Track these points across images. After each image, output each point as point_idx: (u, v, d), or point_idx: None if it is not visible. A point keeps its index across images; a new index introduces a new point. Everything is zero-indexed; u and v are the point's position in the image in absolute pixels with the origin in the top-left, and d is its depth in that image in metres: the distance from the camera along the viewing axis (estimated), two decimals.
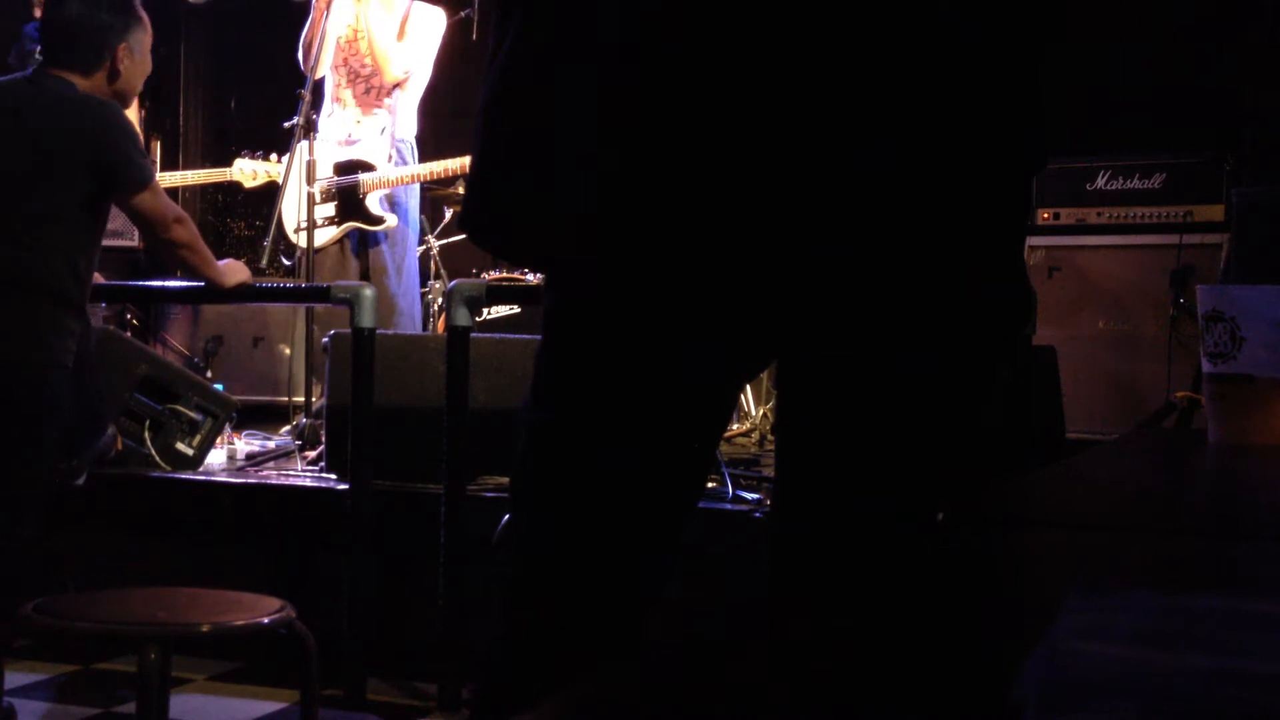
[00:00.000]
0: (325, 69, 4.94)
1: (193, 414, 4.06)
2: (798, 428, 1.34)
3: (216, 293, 3.49)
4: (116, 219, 5.18)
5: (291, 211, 4.80)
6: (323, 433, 4.09)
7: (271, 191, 4.87)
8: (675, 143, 1.20)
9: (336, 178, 4.87)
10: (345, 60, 4.95)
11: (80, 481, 3.33)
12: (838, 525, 1.30)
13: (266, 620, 2.41)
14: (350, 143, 4.93)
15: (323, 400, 4.15)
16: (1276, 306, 1.72)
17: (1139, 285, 4.90)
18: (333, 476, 3.86)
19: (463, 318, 3.50)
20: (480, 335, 3.82)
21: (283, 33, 5.71)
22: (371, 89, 4.94)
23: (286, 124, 4.70)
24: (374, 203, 4.87)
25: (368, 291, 3.57)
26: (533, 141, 1.28)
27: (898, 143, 1.19)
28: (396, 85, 4.91)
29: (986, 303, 1.27)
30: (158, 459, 3.97)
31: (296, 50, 4.90)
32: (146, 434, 3.97)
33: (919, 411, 1.27)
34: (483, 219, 1.36)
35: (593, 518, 1.31)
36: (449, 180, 5.12)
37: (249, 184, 5.29)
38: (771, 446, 4.31)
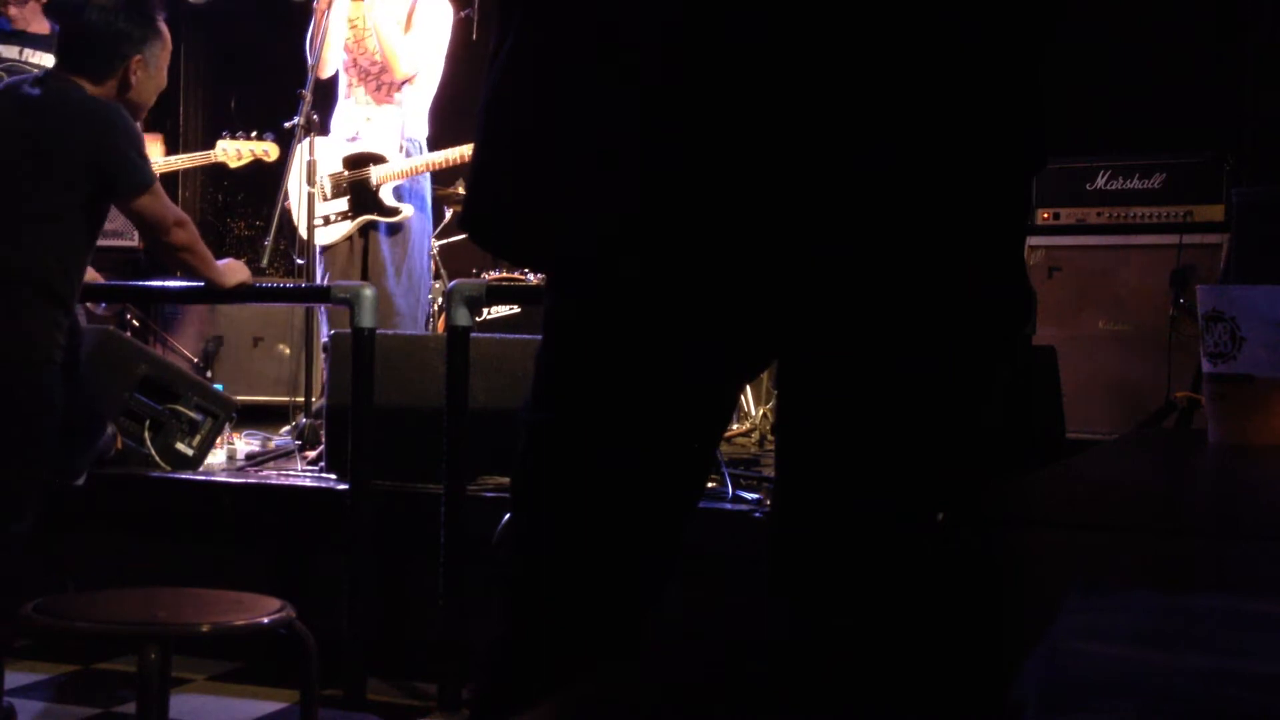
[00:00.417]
0: (334, 68, 4.94)
1: (193, 414, 4.06)
2: (798, 428, 1.34)
3: (216, 293, 3.49)
4: (116, 219, 5.19)
5: (297, 211, 4.80)
6: (323, 433, 4.09)
7: (271, 189, 4.87)
8: (675, 143, 1.20)
9: (347, 172, 4.86)
10: (355, 60, 4.95)
11: (80, 482, 3.34)
12: (838, 525, 1.30)
13: (266, 620, 2.41)
14: (360, 139, 4.92)
15: (323, 400, 4.15)
16: (1276, 306, 1.72)
17: (1139, 285, 4.90)
18: (333, 476, 3.86)
19: (463, 318, 3.50)
20: (480, 335, 3.82)
21: (283, 33, 5.71)
22: (382, 85, 4.94)
23: (287, 124, 4.70)
24: (388, 194, 4.87)
25: (368, 291, 3.57)
26: (533, 142, 1.28)
27: (898, 143, 1.19)
28: (406, 82, 4.90)
29: (986, 303, 1.27)
30: (158, 459, 3.97)
31: (305, 51, 4.90)
32: (146, 434, 3.97)
33: (919, 412, 1.27)
34: (483, 219, 1.36)
35: (593, 518, 1.31)
36: (454, 176, 5.12)
37: (234, 164, 5.28)
38: (771, 446, 4.32)
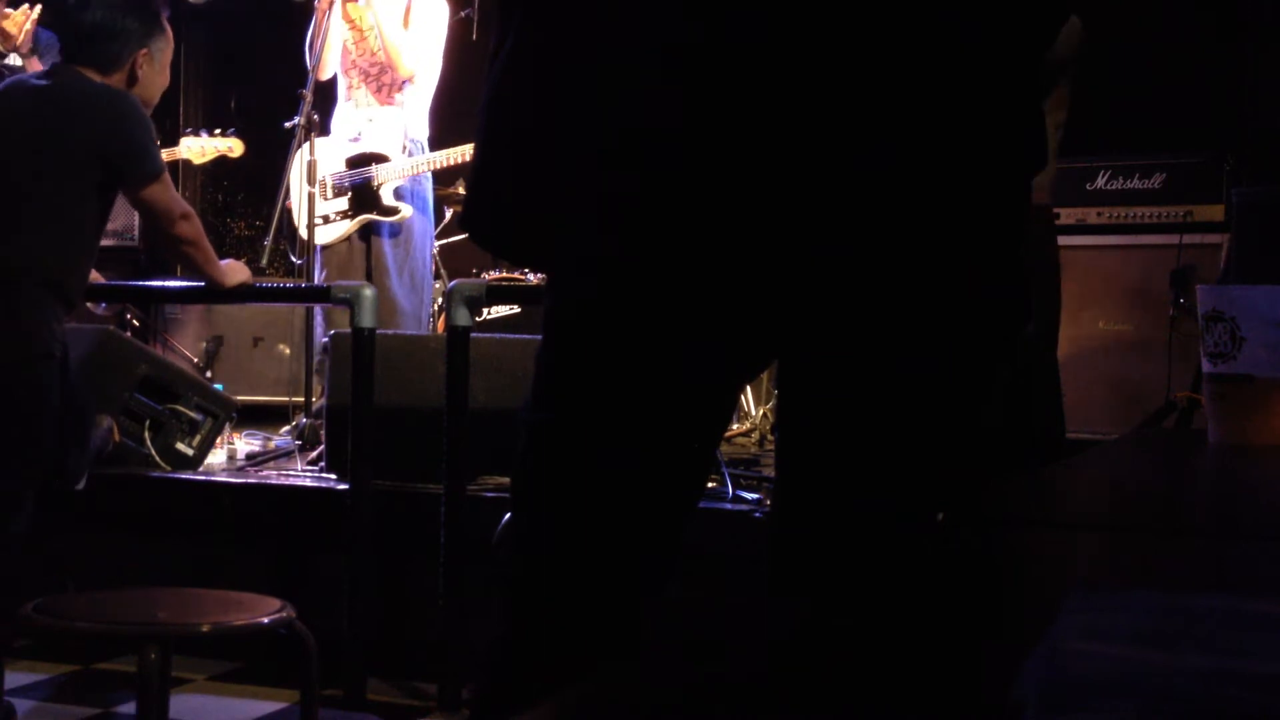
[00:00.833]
0: (332, 70, 4.94)
1: (193, 414, 4.06)
2: (798, 428, 1.34)
3: (216, 293, 3.50)
4: (116, 219, 5.19)
5: (298, 210, 4.80)
6: (323, 433, 4.09)
7: (271, 189, 4.87)
8: (675, 142, 1.20)
9: (349, 171, 4.87)
10: (354, 62, 4.95)
11: (81, 485, 3.33)
12: (838, 525, 1.30)
13: (266, 620, 2.40)
14: (362, 139, 4.93)
15: (323, 400, 4.15)
16: (1276, 306, 1.72)
17: (1139, 285, 4.90)
18: (333, 476, 3.86)
19: (463, 318, 3.50)
20: (480, 335, 3.82)
21: (283, 33, 5.71)
22: (383, 86, 4.94)
23: (287, 124, 4.70)
24: (388, 194, 4.87)
25: (368, 291, 3.57)
26: (533, 141, 1.28)
27: (898, 143, 1.19)
28: (407, 81, 4.91)
29: (986, 303, 1.27)
30: (158, 459, 3.97)
31: (304, 54, 4.90)
32: (146, 434, 3.97)
33: (919, 412, 1.27)
34: (483, 219, 1.36)
35: (593, 518, 1.31)
36: (454, 176, 5.12)
37: (198, 160, 5.29)
38: (771, 446, 4.31)
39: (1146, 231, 4.92)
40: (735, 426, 5.06)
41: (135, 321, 5.99)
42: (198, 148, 5.19)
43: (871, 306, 1.24)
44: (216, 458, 4.21)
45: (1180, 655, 0.64)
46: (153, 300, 5.70)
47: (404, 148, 4.90)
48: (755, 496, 3.50)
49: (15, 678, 3.39)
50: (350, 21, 4.94)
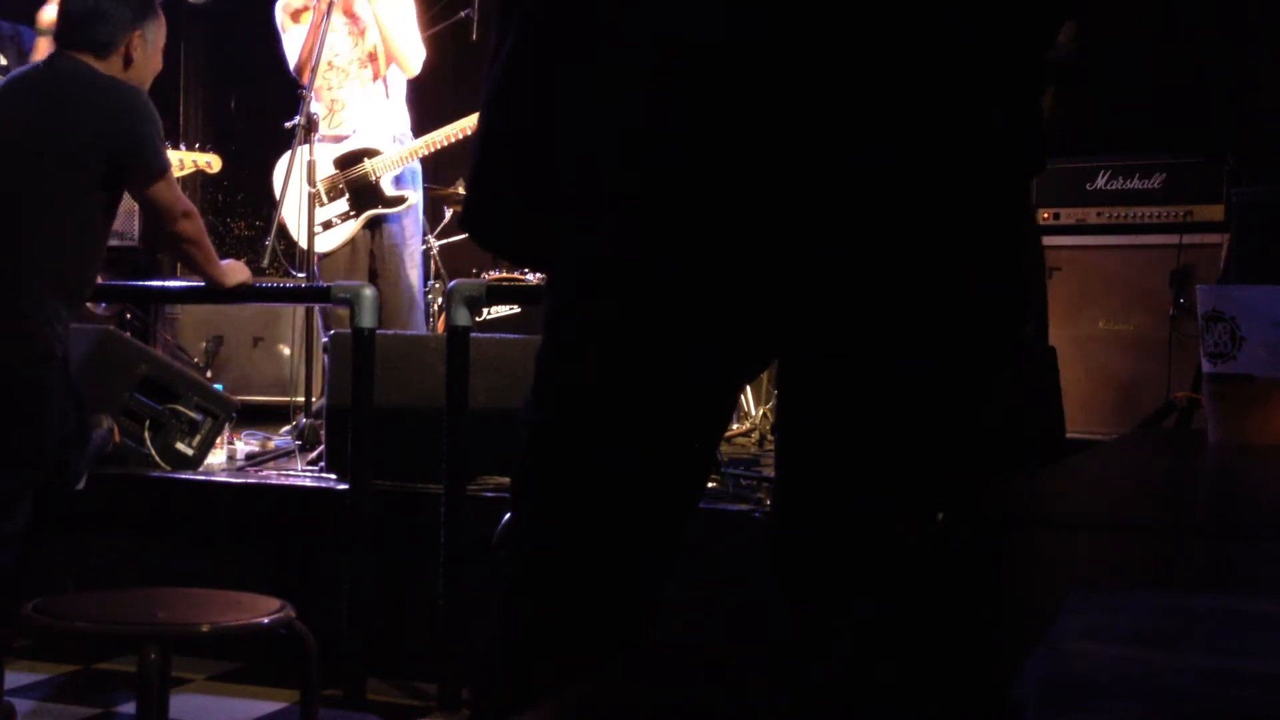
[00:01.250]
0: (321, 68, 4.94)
1: (193, 414, 4.06)
2: (798, 428, 1.34)
3: (216, 293, 3.50)
4: (117, 219, 5.17)
5: (293, 215, 4.77)
6: (323, 433, 4.09)
7: (272, 190, 4.86)
8: (675, 142, 1.20)
9: (341, 170, 4.86)
10: (340, 55, 4.95)
11: (81, 486, 3.33)
12: (838, 525, 1.30)
13: (266, 620, 2.40)
14: (344, 138, 4.92)
15: (323, 400, 4.15)
16: (1276, 306, 1.72)
17: (1139, 285, 4.90)
18: (333, 476, 3.86)
19: (463, 318, 3.50)
20: (480, 335, 3.82)
21: None
22: (367, 80, 4.95)
23: (287, 124, 4.70)
24: (388, 185, 4.87)
25: (368, 291, 3.57)
26: (533, 141, 1.28)
27: (898, 143, 1.19)
28: (388, 73, 4.94)
29: (986, 303, 1.27)
30: (158, 459, 3.97)
31: (289, 71, 4.92)
32: (146, 434, 3.97)
33: (919, 412, 1.27)
34: (483, 219, 1.36)
35: (593, 518, 1.31)
36: (454, 176, 5.12)
37: (177, 173, 5.29)
38: (771, 446, 4.31)
39: (1146, 231, 4.92)
40: (735, 426, 5.06)
41: (135, 321, 5.99)
42: (175, 160, 5.20)
43: (871, 306, 1.24)
44: (216, 458, 4.21)
45: (1180, 655, 0.64)
46: (153, 300, 5.70)
47: (393, 138, 4.91)
48: (756, 496, 3.50)
49: (15, 678, 3.39)
50: (353, 16, 4.93)
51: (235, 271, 3.51)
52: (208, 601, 2.49)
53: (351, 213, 4.86)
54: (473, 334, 3.53)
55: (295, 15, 4.93)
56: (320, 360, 4.77)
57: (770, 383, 4.83)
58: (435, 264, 5.60)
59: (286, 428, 4.94)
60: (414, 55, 4.90)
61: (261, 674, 3.53)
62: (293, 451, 4.50)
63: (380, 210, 4.85)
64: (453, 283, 3.63)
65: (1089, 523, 1.21)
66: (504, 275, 5.19)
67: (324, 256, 4.81)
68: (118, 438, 3.83)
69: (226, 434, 4.30)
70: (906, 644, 0.74)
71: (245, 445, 4.58)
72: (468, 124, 4.79)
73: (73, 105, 3.06)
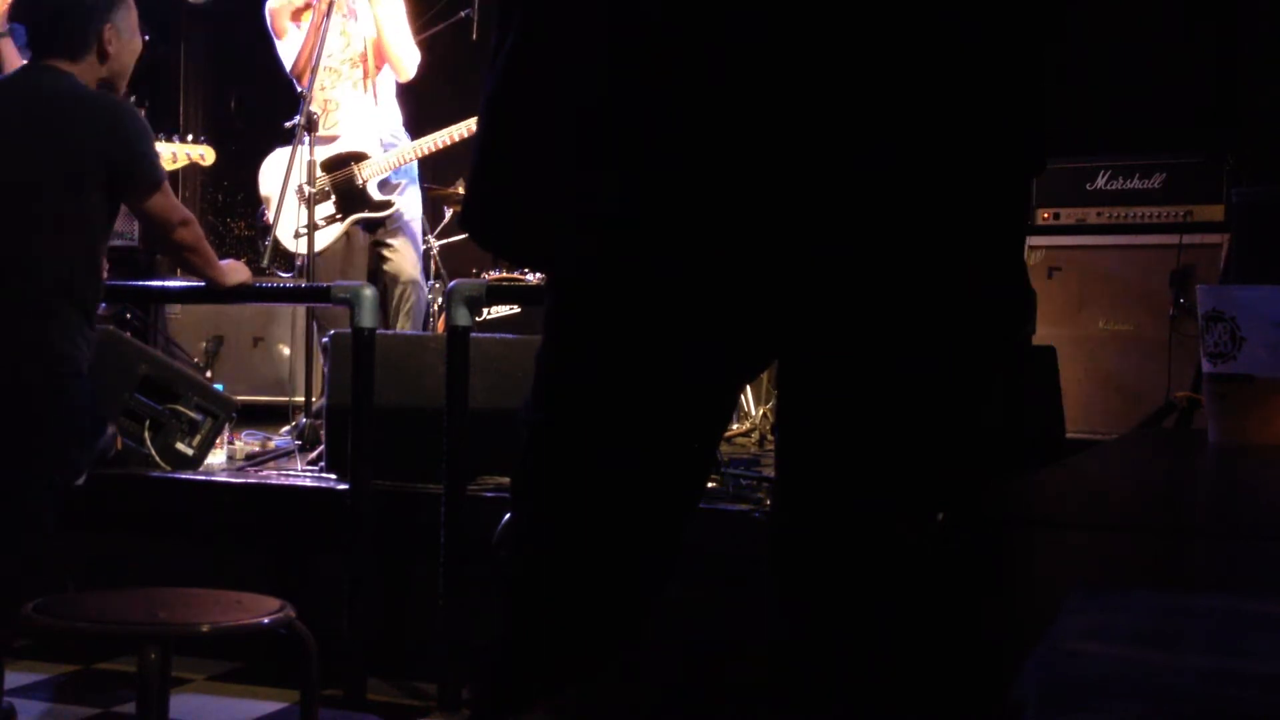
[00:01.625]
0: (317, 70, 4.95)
1: (193, 414, 4.06)
2: (798, 428, 1.34)
3: (216, 293, 3.49)
4: (116, 219, 5.17)
5: (287, 216, 4.76)
6: (323, 433, 4.09)
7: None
8: (675, 143, 1.20)
9: (329, 173, 4.87)
10: (332, 56, 4.95)
11: (80, 481, 3.33)
12: (838, 525, 1.30)
13: (266, 620, 2.40)
14: (334, 139, 4.92)
15: (323, 400, 4.15)
16: (1276, 306, 1.72)
17: (1139, 285, 4.89)
18: (333, 476, 3.86)
19: (463, 318, 3.50)
20: (480, 335, 3.82)
21: None
22: (357, 81, 4.95)
23: (287, 124, 4.70)
24: (374, 189, 4.88)
25: (368, 291, 3.57)
26: (533, 141, 1.28)
27: (898, 143, 1.19)
28: (380, 75, 4.94)
29: (986, 303, 1.27)
30: (158, 459, 3.97)
31: (288, 74, 4.92)
32: (146, 434, 3.97)
33: (919, 412, 1.27)
34: (483, 218, 1.36)
35: (593, 518, 1.31)
36: (454, 176, 5.12)
37: (169, 167, 5.28)
38: (771, 446, 4.31)
39: (1146, 231, 4.92)
40: (735, 426, 5.06)
41: (135, 321, 5.99)
42: (169, 154, 5.19)
43: (871, 306, 1.24)
44: (216, 458, 4.20)
45: (1180, 655, 0.64)
46: (153, 300, 5.70)
47: (380, 142, 4.91)
48: (756, 496, 3.50)
49: (15, 678, 3.39)
50: (353, 15, 4.93)
51: (235, 271, 3.51)
52: (208, 601, 2.49)
53: (338, 215, 4.88)
54: (473, 334, 3.53)
55: (296, 15, 4.93)
56: (319, 360, 4.78)
57: (770, 383, 4.83)
58: (435, 264, 5.60)
59: (286, 428, 4.94)
60: (409, 59, 4.91)
61: (261, 674, 3.53)
62: (293, 451, 4.51)
63: (366, 214, 4.87)
64: (453, 283, 3.63)
65: (1089, 523, 1.21)
66: (504, 275, 5.19)
67: (318, 254, 4.82)
68: (120, 445, 3.83)
69: (226, 434, 4.30)
70: (906, 644, 0.74)
71: (245, 445, 4.58)
72: (463, 129, 4.79)
73: (68, 127, 3.04)
